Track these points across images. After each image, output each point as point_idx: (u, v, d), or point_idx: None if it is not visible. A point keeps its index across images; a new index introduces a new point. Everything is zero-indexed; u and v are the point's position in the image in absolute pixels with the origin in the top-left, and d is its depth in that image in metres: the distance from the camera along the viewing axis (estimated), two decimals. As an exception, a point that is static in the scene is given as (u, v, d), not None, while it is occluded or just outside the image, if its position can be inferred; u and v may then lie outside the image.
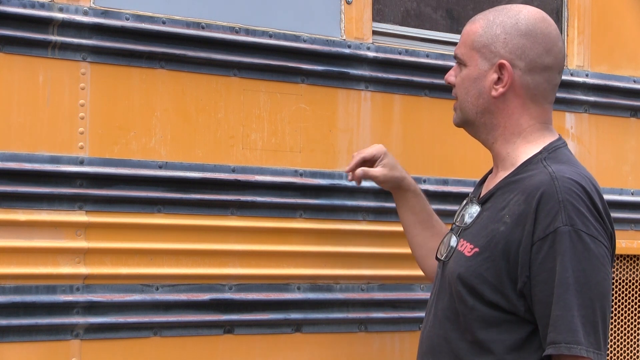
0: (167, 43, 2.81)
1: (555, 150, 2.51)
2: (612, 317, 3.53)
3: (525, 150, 2.53)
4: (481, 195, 2.60)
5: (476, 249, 2.45)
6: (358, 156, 2.93)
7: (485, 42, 2.52)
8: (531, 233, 2.36)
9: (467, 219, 2.57)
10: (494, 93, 2.52)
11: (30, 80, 2.66)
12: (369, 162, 2.94)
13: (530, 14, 2.53)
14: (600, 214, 2.38)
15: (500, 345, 2.40)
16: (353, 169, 2.93)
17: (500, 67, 2.50)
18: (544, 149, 2.51)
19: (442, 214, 3.11)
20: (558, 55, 2.53)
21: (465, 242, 2.50)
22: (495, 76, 2.51)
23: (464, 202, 2.65)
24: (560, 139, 2.57)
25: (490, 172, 2.69)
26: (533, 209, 2.36)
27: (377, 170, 2.92)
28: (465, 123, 2.60)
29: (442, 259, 2.59)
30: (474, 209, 2.57)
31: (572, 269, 2.31)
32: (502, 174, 2.55)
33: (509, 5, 2.58)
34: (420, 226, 2.96)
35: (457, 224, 2.61)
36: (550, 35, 2.52)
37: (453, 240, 2.57)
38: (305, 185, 3.00)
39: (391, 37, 3.22)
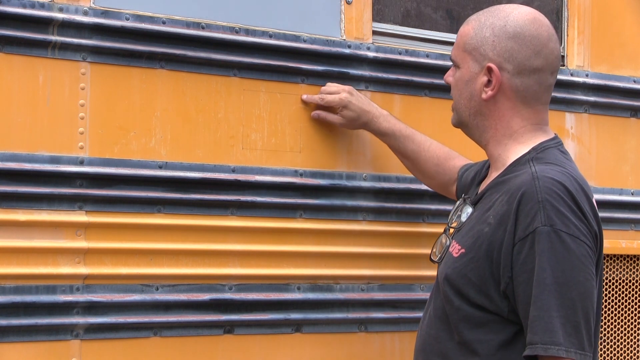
0: (167, 43, 2.81)
1: (544, 150, 2.50)
2: (612, 317, 3.53)
3: (516, 150, 2.53)
4: (475, 196, 2.61)
5: (462, 250, 2.46)
6: (321, 101, 3.01)
7: (475, 44, 2.52)
8: (512, 234, 2.35)
9: (462, 220, 2.58)
10: (484, 96, 2.52)
11: (30, 80, 2.66)
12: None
13: (521, 15, 2.51)
14: (584, 213, 2.36)
15: (486, 345, 2.40)
16: (310, 100, 3.01)
17: (489, 70, 2.50)
18: (533, 149, 2.51)
19: (442, 214, 3.11)
20: (549, 57, 2.51)
21: (455, 243, 2.51)
22: (485, 79, 2.52)
23: (457, 202, 2.66)
24: (554, 139, 2.56)
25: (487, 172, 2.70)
26: (514, 210, 2.36)
27: (335, 118, 3.02)
28: (460, 124, 2.62)
29: (436, 260, 2.62)
30: (468, 210, 2.58)
31: (551, 269, 2.30)
32: (494, 175, 2.56)
33: (502, 6, 2.57)
34: (415, 158, 3.05)
35: (451, 225, 2.62)
36: (539, 37, 2.50)
37: (446, 241, 2.58)
38: (305, 185, 3.00)
39: (391, 37, 3.22)
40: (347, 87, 3.01)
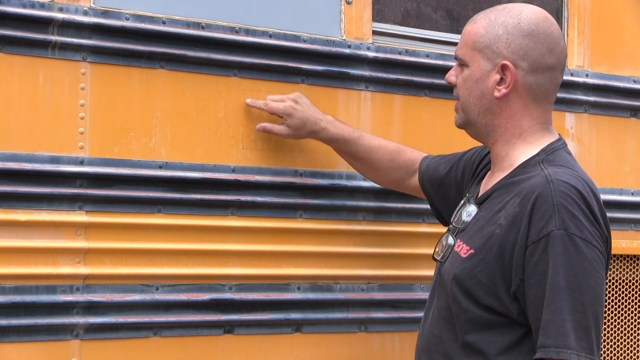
0: (167, 43, 2.81)
1: (553, 152, 2.50)
2: (612, 317, 3.53)
3: (524, 151, 2.52)
4: (479, 195, 2.60)
5: (472, 251, 2.45)
6: (265, 107, 2.92)
7: (487, 42, 2.51)
8: (525, 236, 2.35)
9: (465, 219, 2.57)
10: (496, 94, 2.51)
11: (30, 80, 2.66)
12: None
13: (532, 13, 2.52)
14: (596, 217, 2.37)
15: (492, 346, 2.40)
16: (253, 105, 2.92)
17: (503, 67, 2.49)
18: (542, 150, 2.50)
19: (442, 214, 3.11)
20: (560, 55, 2.53)
21: (461, 243, 2.50)
22: (497, 77, 2.50)
23: (462, 201, 2.65)
24: (559, 140, 2.56)
25: (487, 169, 2.70)
26: (528, 212, 2.36)
27: (280, 129, 2.93)
28: (467, 124, 2.59)
29: (438, 259, 2.60)
30: (472, 209, 2.57)
31: (564, 273, 2.30)
32: (500, 175, 2.55)
33: (511, 4, 2.57)
34: (368, 158, 3.00)
35: (454, 224, 2.61)
36: (552, 35, 2.51)
37: (450, 240, 2.57)
38: (305, 185, 3.00)
39: (391, 37, 3.22)
40: (292, 96, 2.94)
